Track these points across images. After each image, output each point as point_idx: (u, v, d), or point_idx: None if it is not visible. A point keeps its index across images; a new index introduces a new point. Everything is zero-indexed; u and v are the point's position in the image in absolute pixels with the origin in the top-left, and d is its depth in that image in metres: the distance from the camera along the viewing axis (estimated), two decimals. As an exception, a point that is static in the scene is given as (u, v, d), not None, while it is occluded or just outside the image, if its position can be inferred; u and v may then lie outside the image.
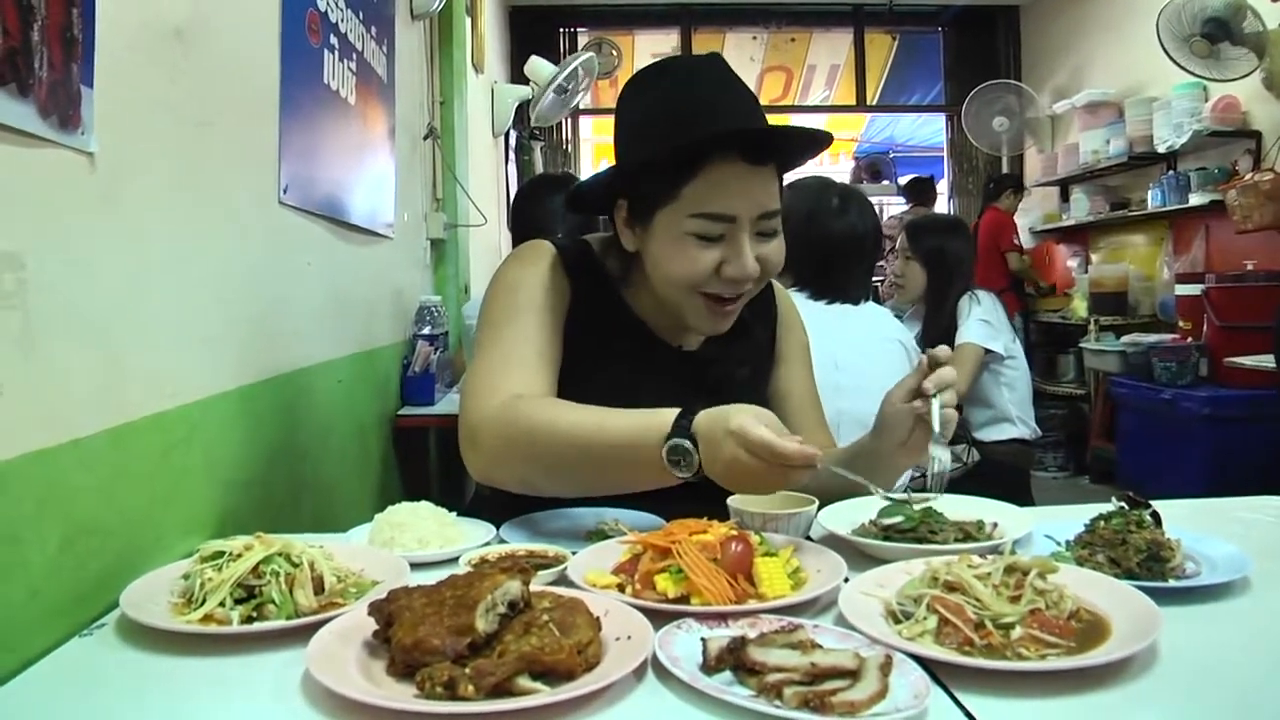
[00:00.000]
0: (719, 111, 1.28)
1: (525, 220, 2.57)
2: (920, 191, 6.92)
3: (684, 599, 0.96)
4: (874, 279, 3.58)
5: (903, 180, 7.89)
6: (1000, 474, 3.01)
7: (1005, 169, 7.04)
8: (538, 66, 4.32)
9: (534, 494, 1.29)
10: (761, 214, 1.27)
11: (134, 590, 1.00)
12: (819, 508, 1.24)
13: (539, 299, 1.34)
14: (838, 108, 9.02)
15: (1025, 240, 6.71)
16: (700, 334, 1.41)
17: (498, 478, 1.24)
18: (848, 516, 1.26)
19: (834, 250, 2.28)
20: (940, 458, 1.21)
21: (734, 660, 0.80)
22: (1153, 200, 5.21)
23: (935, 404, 1.21)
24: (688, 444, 1.08)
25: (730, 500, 1.22)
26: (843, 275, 2.30)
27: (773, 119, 1.38)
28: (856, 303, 2.33)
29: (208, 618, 0.94)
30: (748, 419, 1.05)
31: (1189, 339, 4.46)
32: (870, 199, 2.55)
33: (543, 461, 1.19)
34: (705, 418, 1.09)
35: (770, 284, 1.55)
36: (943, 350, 1.25)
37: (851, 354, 2.20)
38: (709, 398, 1.34)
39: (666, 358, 1.42)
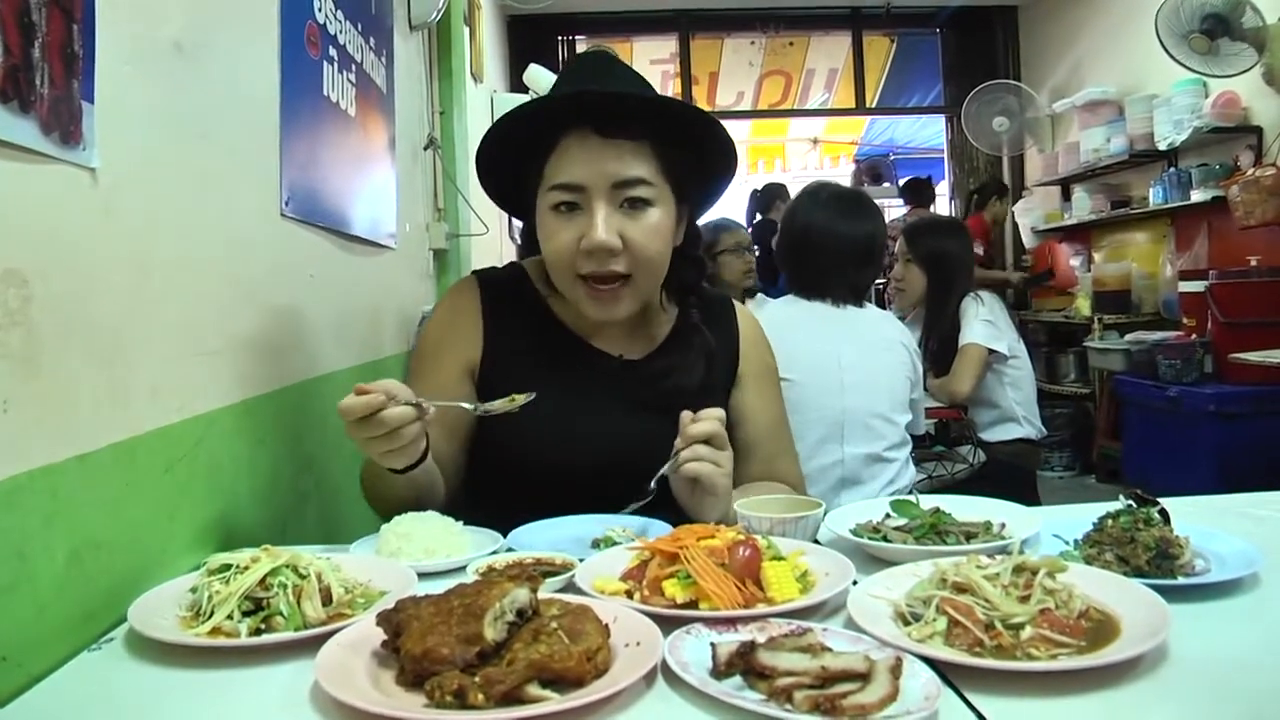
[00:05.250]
0: (571, 88, 1.33)
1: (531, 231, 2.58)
2: (918, 193, 6.91)
3: (692, 604, 0.96)
4: (877, 282, 3.59)
5: (900, 183, 7.88)
6: (1006, 474, 3.01)
7: (1006, 169, 7.04)
8: (536, 74, 4.33)
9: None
10: (616, 182, 1.28)
11: (142, 604, 1.00)
12: (825, 513, 1.24)
13: (443, 342, 1.44)
14: (837, 111, 9.04)
15: (1027, 240, 6.71)
16: (594, 320, 1.40)
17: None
18: (854, 519, 1.25)
19: (810, 247, 2.29)
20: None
21: (744, 664, 0.80)
22: (1154, 198, 5.21)
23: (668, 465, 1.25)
24: None
25: (737, 505, 1.22)
26: (817, 273, 2.30)
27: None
28: (859, 304, 2.34)
29: (216, 630, 0.94)
30: None
31: (1193, 336, 4.45)
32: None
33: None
34: None
35: (730, 303, 1.57)
36: (685, 415, 1.26)
37: (855, 354, 2.22)
38: (653, 410, 1.35)
39: (607, 369, 1.43)
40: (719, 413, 1.27)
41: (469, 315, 1.44)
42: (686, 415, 1.26)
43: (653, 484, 1.27)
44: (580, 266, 1.31)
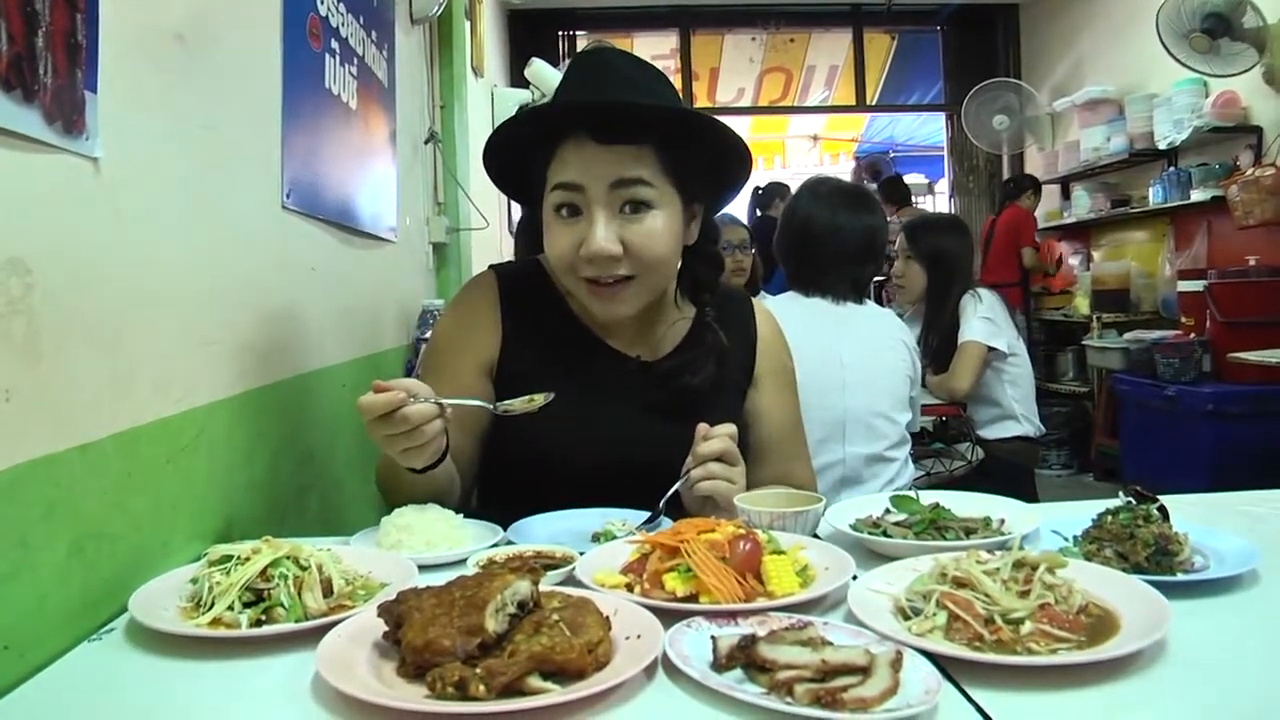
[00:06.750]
0: (572, 94, 1.34)
1: (531, 229, 2.58)
2: (895, 192, 6.81)
3: (693, 598, 0.96)
4: (876, 278, 3.58)
5: (873, 185, 7.78)
6: (1005, 471, 3.01)
7: (1006, 167, 7.04)
8: (539, 69, 4.32)
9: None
10: (614, 182, 1.27)
11: (142, 594, 1.00)
12: (825, 507, 1.24)
13: (459, 338, 1.42)
14: (837, 108, 9.04)
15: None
16: (602, 318, 1.39)
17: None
18: (854, 514, 1.26)
19: (811, 241, 2.29)
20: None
21: (744, 658, 0.80)
22: (1154, 197, 5.21)
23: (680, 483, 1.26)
24: None
25: (737, 499, 1.22)
26: (817, 269, 2.30)
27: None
28: (859, 301, 2.34)
29: (216, 621, 0.94)
30: None
31: (1191, 335, 4.46)
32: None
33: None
34: None
35: (748, 299, 1.56)
36: (699, 429, 1.27)
37: (857, 352, 2.22)
38: (668, 411, 1.35)
39: (622, 371, 1.42)
40: (730, 428, 1.27)
41: (486, 311, 1.42)
42: (701, 429, 1.26)
43: (662, 503, 1.26)
44: (581, 270, 1.30)
